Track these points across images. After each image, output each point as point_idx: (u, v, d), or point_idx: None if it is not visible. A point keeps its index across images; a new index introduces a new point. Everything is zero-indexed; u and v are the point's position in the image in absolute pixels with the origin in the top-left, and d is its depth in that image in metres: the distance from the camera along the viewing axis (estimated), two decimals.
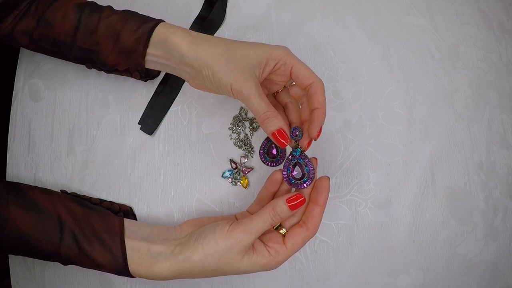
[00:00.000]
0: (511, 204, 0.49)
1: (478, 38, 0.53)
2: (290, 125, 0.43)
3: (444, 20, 0.54)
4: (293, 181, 0.40)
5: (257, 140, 0.49)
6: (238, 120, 0.50)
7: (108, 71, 0.46)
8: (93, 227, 0.38)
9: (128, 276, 0.38)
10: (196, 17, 0.53)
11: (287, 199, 0.37)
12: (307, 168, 0.39)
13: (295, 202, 0.37)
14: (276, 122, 0.38)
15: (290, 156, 0.41)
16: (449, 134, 0.50)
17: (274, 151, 0.47)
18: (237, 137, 0.49)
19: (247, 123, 0.50)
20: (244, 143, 0.49)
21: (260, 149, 0.47)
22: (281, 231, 0.39)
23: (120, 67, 0.44)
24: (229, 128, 0.50)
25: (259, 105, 0.37)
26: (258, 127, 0.50)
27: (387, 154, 0.49)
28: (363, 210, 0.47)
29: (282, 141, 0.38)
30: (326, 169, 0.48)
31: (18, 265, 0.47)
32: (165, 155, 0.49)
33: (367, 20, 0.54)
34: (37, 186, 0.42)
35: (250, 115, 0.50)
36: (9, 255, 0.47)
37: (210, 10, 0.53)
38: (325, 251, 0.47)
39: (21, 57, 0.53)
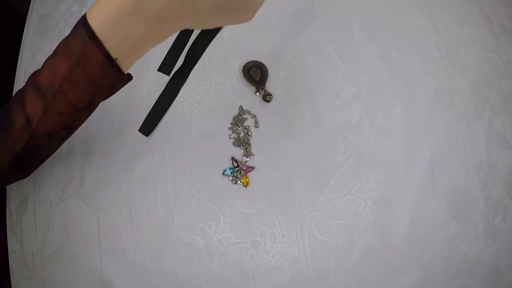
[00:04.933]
0: (511, 204, 0.49)
1: (478, 38, 0.53)
2: None
3: (444, 20, 0.54)
4: None
5: (257, 140, 0.49)
6: (237, 120, 0.50)
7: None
8: None
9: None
10: None
11: None
12: None
13: None
14: None
15: None
16: (449, 134, 0.50)
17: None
18: (236, 137, 0.49)
19: (248, 121, 0.50)
20: (244, 143, 0.49)
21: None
22: None
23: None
24: (229, 128, 0.50)
25: None
26: (258, 124, 0.50)
27: (387, 154, 0.49)
28: (363, 210, 0.47)
29: None
30: (326, 169, 0.48)
31: (18, 265, 0.47)
32: (165, 155, 0.49)
33: (367, 20, 0.54)
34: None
35: (251, 113, 0.50)
36: (9, 255, 0.47)
37: None
38: (325, 251, 0.47)
39: (21, 57, 0.53)
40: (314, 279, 0.46)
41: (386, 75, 0.51)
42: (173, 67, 0.52)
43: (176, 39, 0.52)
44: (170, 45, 0.53)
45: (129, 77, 0.37)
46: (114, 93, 0.38)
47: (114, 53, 0.32)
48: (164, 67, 0.51)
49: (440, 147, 0.49)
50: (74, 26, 0.33)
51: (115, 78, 0.35)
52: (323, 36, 0.53)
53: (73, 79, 0.33)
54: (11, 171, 0.39)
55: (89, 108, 0.37)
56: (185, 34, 0.53)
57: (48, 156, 0.42)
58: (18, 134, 0.36)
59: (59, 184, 0.48)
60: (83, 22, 0.32)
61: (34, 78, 0.35)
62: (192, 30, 0.53)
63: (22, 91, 0.36)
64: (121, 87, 0.37)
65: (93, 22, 0.31)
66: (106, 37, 0.32)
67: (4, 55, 0.56)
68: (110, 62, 0.33)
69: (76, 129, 0.39)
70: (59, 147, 0.40)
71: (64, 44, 0.34)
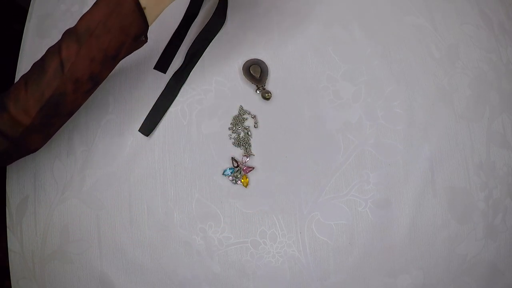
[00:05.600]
0: (511, 204, 0.49)
1: (478, 38, 0.53)
2: None
3: (444, 20, 0.54)
4: None
5: (257, 140, 0.49)
6: (237, 120, 0.50)
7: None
8: None
9: None
10: (183, 17, 0.53)
11: None
12: None
13: None
14: None
15: None
16: (449, 134, 0.50)
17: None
18: (236, 137, 0.49)
19: (248, 121, 0.50)
20: (244, 143, 0.49)
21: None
22: None
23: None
24: (229, 128, 0.50)
25: None
26: (258, 125, 0.50)
27: (387, 154, 0.49)
28: (363, 210, 0.47)
29: None
30: (326, 169, 0.48)
31: (18, 265, 0.47)
32: (165, 155, 0.49)
33: (367, 20, 0.54)
34: None
35: (250, 114, 0.50)
36: (9, 255, 0.47)
37: (198, 8, 0.53)
38: (325, 251, 0.47)
39: (21, 57, 0.53)
40: (314, 279, 0.46)
41: (386, 75, 0.51)
42: (169, 66, 0.52)
43: (172, 37, 0.53)
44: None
45: (145, 39, 0.43)
46: (135, 50, 0.43)
47: (143, 2, 0.39)
48: (160, 66, 0.51)
49: (440, 147, 0.49)
50: None
51: (141, 28, 0.40)
52: (323, 36, 0.53)
53: (108, 25, 0.39)
54: (33, 127, 0.40)
55: (115, 58, 0.41)
56: (182, 32, 0.53)
57: (72, 113, 0.43)
58: (49, 79, 0.39)
59: (59, 184, 0.48)
60: None
61: (71, 28, 0.40)
62: (188, 28, 0.53)
63: (58, 42, 0.40)
64: (140, 47, 0.43)
65: None
66: None
67: (4, 55, 0.56)
68: (140, 11, 0.39)
69: (100, 84, 0.43)
70: (82, 103, 0.43)
71: None
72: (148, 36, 0.44)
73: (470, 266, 0.47)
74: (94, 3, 0.40)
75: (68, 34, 0.40)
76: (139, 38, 0.42)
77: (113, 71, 0.50)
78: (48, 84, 0.39)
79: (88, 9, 0.40)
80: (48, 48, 0.40)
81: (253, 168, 0.48)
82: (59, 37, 0.40)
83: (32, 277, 0.47)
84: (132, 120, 0.50)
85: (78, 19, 0.40)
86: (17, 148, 0.41)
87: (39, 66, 0.40)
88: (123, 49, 0.41)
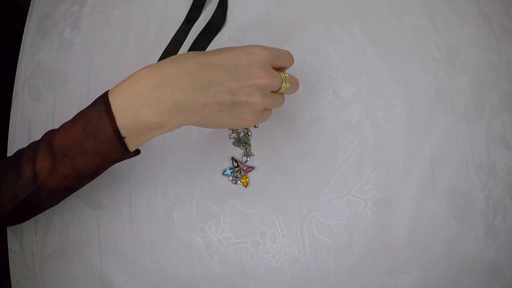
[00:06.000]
0: (511, 204, 0.49)
1: (478, 38, 0.53)
2: None
3: (444, 20, 0.54)
4: None
5: (257, 140, 0.49)
6: None
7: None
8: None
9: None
10: (184, 20, 0.53)
11: None
12: None
13: None
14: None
15: None
16: (449, 134, 0.50)
17: None
18: (236, 137, 0.49)
19: None
20: (244, 143, 0.49)
21: None
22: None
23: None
24: (229, 128, 0.50)
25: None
26: (257, 125, 0.50)
27: (387, 154, 0.49)
28: (363, 210, 0.47)
29: None
30: (326, 169, 0.48)
31: (18, 265, 0.47)
32: (165, 155, 0.49)
33: (367, 20, 0.54)
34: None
35: None
36: (9, 255, 0.47)
37: (199, 12, 0.53)
38: (325, 251, 0.47)
39: (21, 57, 0.53)
40: (314, 279, 0.46)
41: (386, 75, 0.51)
42: None
43: (173, 38, 0.53)
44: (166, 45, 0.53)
45: (137, 152, 0.40)
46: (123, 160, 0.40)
47: (123, 132, 0.35)
48: None
49: (440, 147, 0.49)
50: (97, 98, 0.36)
51: (121, 154, 0.37)
52: (323, 36, 0.53)
53: (84, 147, 0.35)
54: (10, 217, 0.40)
55: (93, 176, 0.39)
56: (181, 34, 0.53)
57: (46, 209, 0.42)
58: (23, 185, 0.37)
59: None
60: (104, 97, 0.35)
61: (50, 136, 0.37)
62: (190, 29, 0.53)
63: (36, 145, 0.38)
64: (131, 157, 0.40)
65: (113, 99, 0.35)
66: (120, 115, 0.34)
67: (4, 55, 0.56)
68: (119, 139, 0.35)
69: (77, 190, 0.41)
70: (58, 203, 0.42)
71: (83, 112, 0.36)
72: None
73: (470, 266, 0.47)
74: (75, 116, 0.37)
75: (46, 143, 0.37)
76: (120, 161, 0.38)
77: (113, 71, 0.50)
78: (22, 188, 0.37)
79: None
80: (30, 144, 0.39)
81: (253, 168, 0.48)
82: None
83: (32, 277, 0.47)
84: None
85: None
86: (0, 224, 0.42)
87: (15, 166, 0.38)
88: (101, 169, 0.38)
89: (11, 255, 0.48)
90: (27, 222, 0.48)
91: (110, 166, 0.39)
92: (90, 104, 0.36)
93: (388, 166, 0.49)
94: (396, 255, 0.47)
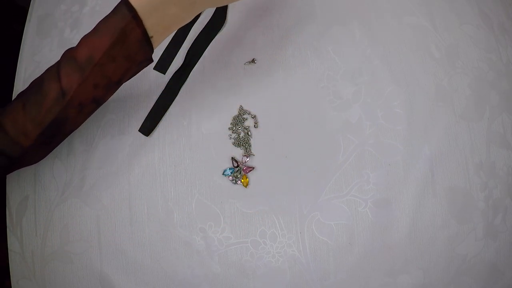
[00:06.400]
0: (511, 204, 0.49)
1: (478, 38, 0.53)
2: None
3: (444, 20, 0.54)
4: None
5: (257, 140, 0.49)
6: (237, 120, 0.50)
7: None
8: None
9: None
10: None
11: None
12: None
13: None
14: None
15: None
16: (449, 134, 0.50)
17: None
18: (236, 137, 0.49)
19: (248, 121, 0.50)
20: (244, 143, 0.49)
21: None
22: None
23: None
24: (229, 128, 0.50)
25: None
26: (258, 125, 0.50)
27: (387, 154, 0.49)
28: (363, 210, 0.47)
29: None
30: (326, 169, 0.48)
31: (18, 265, 0.47)
32: (165, 155, 0.49)
33: (367, 20, 0.54)
34: None
35: (250, 114, 0.50)
36: (9, 255, 0.47)
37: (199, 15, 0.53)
38: (325, 251, 0.47)
39: (21, 57, 0.53)
40: (314, 279, 0.46)
41: (386, 75, 0.51)
42: (169, 66, 0.52)
43: (172, 38, 0.53)
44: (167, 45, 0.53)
45: (151, 60, 0.42)
46: (140, 71, 0.43)
47: (151, 32, 0.38)
48: (160, 66, 0.51)
49: (440, 147, 0.49)
50: (115, 8, 0.37)
51: (147, 54, 0.40)
52: (323, 36, 0.53)
53: (112, 54, 0.37)
54: (33, 147, 0.40)
55: (120, 82, 0.41)
56: (181, 34, 0.53)
57: (72, 131, 0.43)
58: (49, 106, 0.38)
59: (59, 184, 0.48)
60: (125, 3, 0.37)
61: (70, 53, 0.38)
62: (189, 30, 0.53)
63: (55, 65, 0.39)
64: (144, 67, 0.42)
65: (136, 4, 0.37)
66: (147, 17, 0.37)
67: (4, 55, 0.56)
68: (146, 40, 0.38)
69: (102, 103, 0.43)
70: (84, 121, 0.43)
71: (105, 22, 0.38)
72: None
73: (470, 266, 0.47)
74: (95, 28, 0.38)
75: (68, 60, 0.38)
76: (144, 63, 0.41)
77: None
78: (48, 110, 0.38)
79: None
80: (48, 68, 0.39)
81: (253, 168, 0.48)
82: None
83: (32, 277, 0.47)
84: (132, 120, 0.50)
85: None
86: (17, 164, 0.41)
87: (37, 88, 0.38)
88: (128, 74, 0.41)
89: (11, 255, 0.48)
90: (27, 222, 0.48)
91: (135, 72, 0.41)
92: (108, 15, 0.37)
93: (388, 166, 0.49)
94: (396, 255, 0.47)
